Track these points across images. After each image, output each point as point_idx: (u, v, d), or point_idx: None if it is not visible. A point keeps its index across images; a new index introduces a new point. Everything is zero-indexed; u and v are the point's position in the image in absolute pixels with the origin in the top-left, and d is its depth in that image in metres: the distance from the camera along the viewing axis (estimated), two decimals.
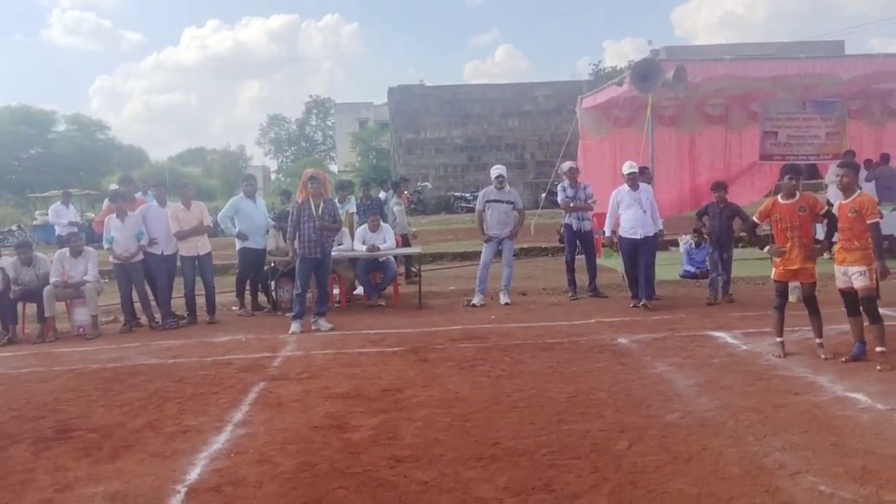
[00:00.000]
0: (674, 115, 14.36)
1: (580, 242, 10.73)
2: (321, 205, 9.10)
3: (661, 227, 9.90)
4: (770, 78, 12.57)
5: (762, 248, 7.12)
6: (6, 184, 54.83)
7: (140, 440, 5.16)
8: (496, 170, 10.75)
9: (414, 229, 14.26)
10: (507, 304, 10.32)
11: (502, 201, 10.54)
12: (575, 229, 10.60)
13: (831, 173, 14.26)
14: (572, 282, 10.74)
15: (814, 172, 16.99)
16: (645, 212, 9.65)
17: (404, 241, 13.27)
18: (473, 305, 10.32)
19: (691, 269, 11.99)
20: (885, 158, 13.69)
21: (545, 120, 35.07)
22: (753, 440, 4.63)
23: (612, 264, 12.38)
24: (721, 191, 10.07)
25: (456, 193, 33.51)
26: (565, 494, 3.95)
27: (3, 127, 59.64)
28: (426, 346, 7.83)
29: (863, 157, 13.74)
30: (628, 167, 9.85)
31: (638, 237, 9.66)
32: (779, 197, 6.81)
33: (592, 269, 10.74)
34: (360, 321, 9.58)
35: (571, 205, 10.54)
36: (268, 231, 10.72)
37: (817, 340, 6.76)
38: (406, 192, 14.45)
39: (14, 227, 32.07)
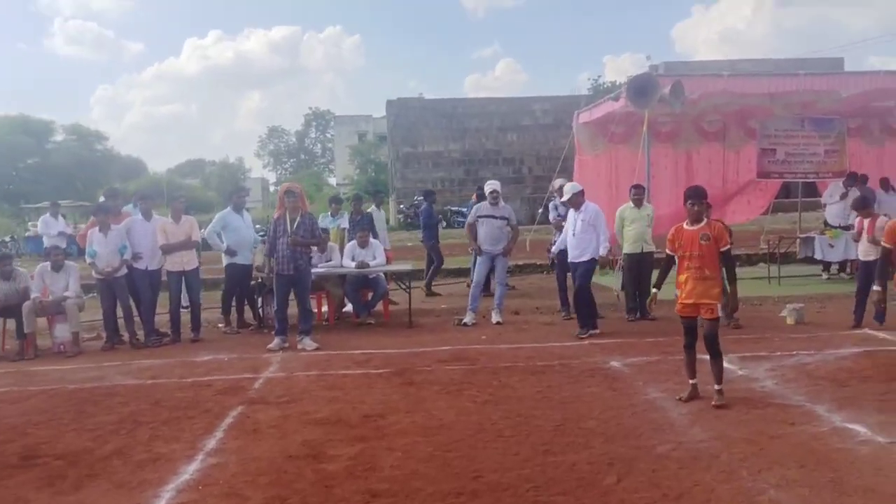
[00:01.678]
0: (670, 131, 14.20)
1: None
2: (297, 219, 8.94)
3: (594, 254, 9.32)
4: (768, 94, 12.43)
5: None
6: (3, 194, 54.75)
7: (107, 469, 4.94)
8: (490, 185, 10.56)
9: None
10: (498, 323, 10.11)
11: (496, 217, 10.33)
12: (566, 247, 10.35)
13: (828, 193, 14.08)
14: (565, 301, 10.52)
15: (812, 191, 16.81)
16: (574, 234, 9.41)
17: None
18: (465, 324, 10.10)
19: None
20: (862, 179, 13.48)
21: (543, 134, 34.96)
22: (747, 475, 4.41)
23: (608, 282, 12.18)
24: None
25: (453, 208, 33.33)
26: None
27: (1, 136, 59.60)
28: (412, 367, 7.61)
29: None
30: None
31: (570, 259, 9.56)
32: (684, 223, 6.24)
33: None
34: (347, 340, 9.35)
35: (563, 223, 10.33)
36: (255, 246, 10.51)
37: (716, 386, 5.97)
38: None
39: (7, 239, 31.85)
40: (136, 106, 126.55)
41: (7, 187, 57.29)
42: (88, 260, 9.54)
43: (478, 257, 10.53)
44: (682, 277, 6.13)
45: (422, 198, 15.30)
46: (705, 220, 6.22)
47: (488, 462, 4.80)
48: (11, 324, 9.43)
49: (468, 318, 10.19)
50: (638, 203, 10.22)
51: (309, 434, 5.51)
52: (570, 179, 12.28)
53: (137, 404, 6.53)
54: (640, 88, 11.03)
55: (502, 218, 10.37)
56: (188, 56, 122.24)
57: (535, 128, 35.60)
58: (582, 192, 9.56)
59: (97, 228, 9.46)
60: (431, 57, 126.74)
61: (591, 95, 35.34)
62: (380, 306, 10.94)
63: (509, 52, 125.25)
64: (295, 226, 8.91)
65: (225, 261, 10.45)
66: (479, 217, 10.40)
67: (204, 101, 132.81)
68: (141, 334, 9.61)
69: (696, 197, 6.14)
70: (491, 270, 10.49)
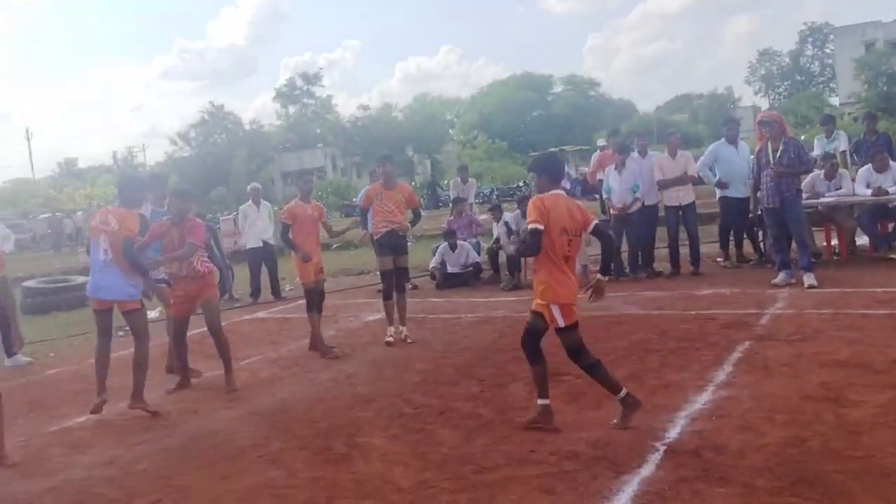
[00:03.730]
0: None
1: None
2: (779, 148, 8.21)
3: None
4: None
5: None
6: (515, 144, 62.06)
7: None
8: None
9: None
10: None
11: None
12: None
13: None
14: None
15: None
16: None
17: None
18: None
19: None
20: None
21: None
22: None
23: None
24: None
25: None
26: None
27: (510, 94, 67.67)
28: None
29: None
30: None
31: None
32: None
33: None
34: (864, 277, 8.39)
35: None
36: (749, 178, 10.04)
37: None
38: None
39: (521, 184, 36.17)
40: (623, 49, 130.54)
41: (517, 139, 64.76)
42: (605, 196, 10.30)
43: None
44: None
45: None
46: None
47: None
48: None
49: None
50: None
51: (826, 376, 5.12)
52: None
53: (645, 333, 6.85)
54: None
55: None
56: None
57: None
58: None
59: (613, 167, 10.07)
60: None
61: None
62: None
63: None
64: (778, 155, 8.26)
65: (718, 194, 10.24)
66: None
67: (689, 33, 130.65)
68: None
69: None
70: None
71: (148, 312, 8.15)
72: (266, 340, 8.66)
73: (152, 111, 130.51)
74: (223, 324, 6.70)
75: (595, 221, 4.66)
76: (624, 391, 4.50)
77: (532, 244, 4.49)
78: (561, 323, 4.54)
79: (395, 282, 7.82)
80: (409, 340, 7.58)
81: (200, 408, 6.05)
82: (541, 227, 4.44)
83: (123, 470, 4.75)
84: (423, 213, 9.07)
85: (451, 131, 72.39)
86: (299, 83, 69.00)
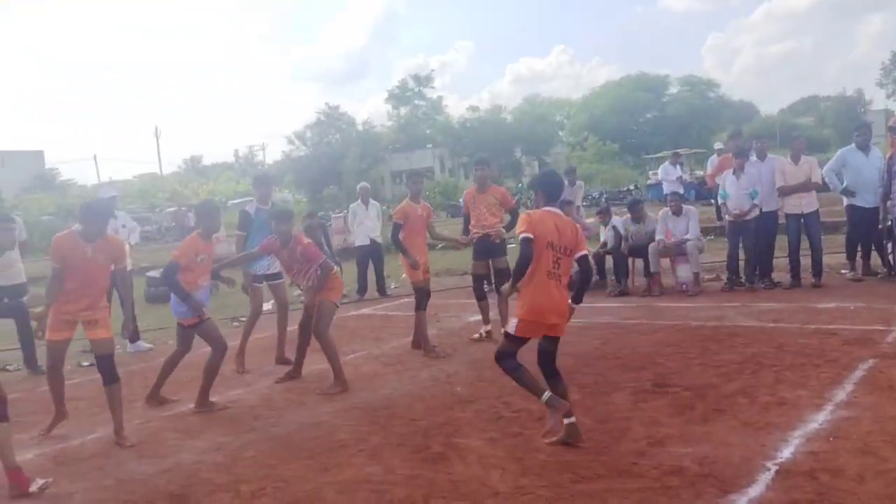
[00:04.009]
0: None
1: None
2: None
3: None
4: None
5: None
6: (627, 147, 60.70)
7: (732, 406, 5.05)
8: None
9: None
10: None
11: None
12: None
13: None
14: None
15: None
16: None
17: None
18: None
19: None
20: None
21: None
22: None
23: None
24: None
25: None
26: None
27: (624, 94, 66.25)
28: None
29: None
30: None
31: None
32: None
33: None
34: None
35: None
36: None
37: None
38: None
39: (631, 187, 35.39)
40: (745, 49, 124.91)
41: (629, 141, 63.29)
42: (720, 201, 9.95)
43: None
44: None
45: None
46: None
47: None
48: (639, 263, 10.41)
49: None
50: None
51: None
52: None
53: (759, 346, 6.53)
54: None
55: None
56: None
57: None
58: None
59: (731, 171, 9.69)
60: None
61: None
62: None
63: None
64: None
65: (845, 202, 9.68)
66: None
67: (817, 33, 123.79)
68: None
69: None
70: None
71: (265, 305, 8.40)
72: (370, 336, 8.81)
73: (274, 111, 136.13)
74: None
75: (584, 252, 4.78)
76: (547, 394, 4.59)
77: (524, 253, 4.60)
78: (511, 329, 4.76)
79: (493, 284, 8.00)
80: None
81: (307, 399, 6.21)
82: (531, 235, 4.58)
83: (231, 456, 4.93)
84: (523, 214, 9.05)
85: (560, 133, 71.51)
86: (411, 84, 69.93)
